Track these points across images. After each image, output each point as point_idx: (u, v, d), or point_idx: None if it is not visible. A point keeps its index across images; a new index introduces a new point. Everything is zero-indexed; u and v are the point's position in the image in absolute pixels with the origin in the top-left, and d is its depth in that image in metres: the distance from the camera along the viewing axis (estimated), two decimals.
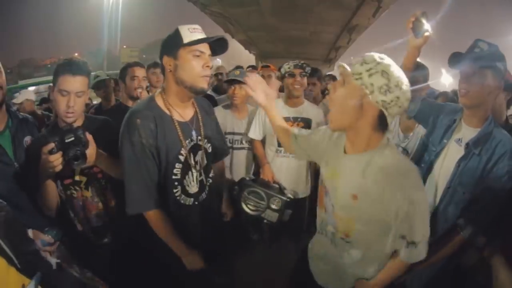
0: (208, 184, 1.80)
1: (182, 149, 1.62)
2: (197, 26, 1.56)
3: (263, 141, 2.90)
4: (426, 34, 1.65)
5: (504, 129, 1.68)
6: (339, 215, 1.41)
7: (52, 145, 1.44)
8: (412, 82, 1.89)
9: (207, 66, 1.55)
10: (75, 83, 1.65)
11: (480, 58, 1.59)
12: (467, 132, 1.70)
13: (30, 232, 1.46)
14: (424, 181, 1.80)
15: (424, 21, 1.64)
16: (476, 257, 1.60)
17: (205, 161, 1.77)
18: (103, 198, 1.84)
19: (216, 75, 5.20)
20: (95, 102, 4.99)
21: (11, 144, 1.71)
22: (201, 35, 1.55)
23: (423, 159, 1.86)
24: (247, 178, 2.75)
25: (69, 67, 1.65)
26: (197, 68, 1.53)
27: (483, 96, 1.60)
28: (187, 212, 1.69)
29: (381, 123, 1.26)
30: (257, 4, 7.95)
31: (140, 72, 2.81)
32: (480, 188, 1.60)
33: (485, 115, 1.65)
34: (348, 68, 1.27)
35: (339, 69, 1.32)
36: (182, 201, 1.66)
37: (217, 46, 1.62)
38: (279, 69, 4.40)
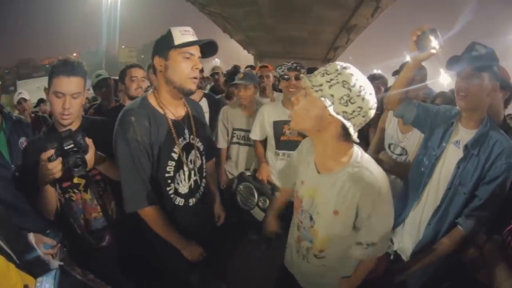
0: (203, 185, 1.82)
1: (175, 146, 1.64)
2: (188, 29, 1.59)
3: (264, 142, 2.91)
4: (432, 51, 1.61)
5: (501, 129, 1.70)
6: (318, 232, 1.43)
7: (51, 152, 1.38)
8: (410, 82, 1.91)
9: (196, 68, 1.58)
10: (70, 84, 1.60)
11: (478, 60, 1.59)
12: (464, 134, 1.72)
13: (31, 236, 1.47)
14: (425, 184, 1.83)
15: (432, 38, 1.58)
16: (476, 254, 1.61)
17: (199, 161, 1.79)
18: (102, 200, 1.82)
19: (212, 75, 5.20)
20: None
21: (6, 146, 1.69)
22: (192, 38, 1.57)
23: (423, 163, 1.87)
24: (248, 173, 2.80)
25: (64, 68, 1.60)
26: (186, 69, 1.56)
27: (481, 98, 1.62)
28: (178, 212, 1.70)
29: (346, 134, 1.24)
30: (256, 4, 7.97)
31: (139, 73, 2.83)
32: (480, 187, 1.62)
33: (481, 116, 1.67)
34: (307, 80, 1.25)
35: (302, 80, 1.31)
36: (174, 201, 1.68)
37: (207, 49, 1.65)
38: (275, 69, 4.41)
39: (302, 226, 1.50)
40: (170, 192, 1.66)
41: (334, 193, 1.33)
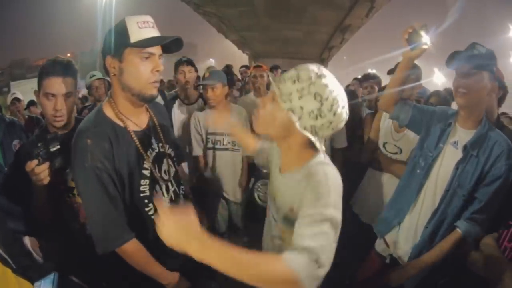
0: (182, 192, 1.65)
1: (145, 162, 1.41)
2: (147, 19, 1.31)
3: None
4: (424, 47, 1.63)
5: (495, 127, 1.70)
6: (282, 228, 1.33)
7: (35, 162, 1.31)
8: (405, 81, 1.92)
9: (157, 71, 1.33)
10: (61, 84, 1.52)
11: (478, 59, 1.60)
12: (462, 134, 1.71)
13: (26, 239, 1.43)
14: (422, 186, 1.81)
15: (423, 33, 1.60)
16: (477, 256, 1.62)
17: (173, 169, 1.60)
18: None
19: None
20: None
21: (0, 148, 1.67)
22: (153, 32, 1.31)
23: (418, 164, 1.86)
24: (265, 170, 2.76)
25: (53, 68, 1.52)
26: (145, 73, 1.30)
27: (481, 97, 1.62)
28: None
29: (312, 143, 1.15)
30: (251, 5, 7.95)
31: None
32: (480, 189, 1.62)
33: (480, 116, 1.67)
34: (276, 88, 1.14)
35: (270, 85, 1.20)
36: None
37: (171, 44, 1.37)
38: (271, 69, 4.41)
39: (272, 226, 1.41)
40: (150, 212, 1.44)
41: (292, 192, 1.22)
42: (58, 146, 1.37)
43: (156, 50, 1.32)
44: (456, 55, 1.64)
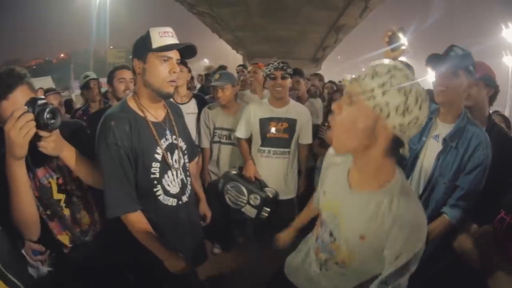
0: (189, 182, 1.82)
1: (158, 148, 1.63)
2: (168, 29, 1.58)
3: (249, 139, 2.90)
4: (403, 48, 1.78)
5: (487, 125, 1.85)
6: (340, 248, 1.23)
7: (25, 108, 1.17)
8: None
9: (174, 72, 1.57)
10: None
11: (455, 60, 1.73)
12: (443, 128, 1.83)
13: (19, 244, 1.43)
14: (408, 176, 1.89)
15: (401, 35, 1.75)
16: (467, 243, 1.65)
17: (182, 160, 1.77)
18: (86, 213, 1.71)
19: (206, 75, 5.20)
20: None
21: None
22: (172, 40, 1.56)
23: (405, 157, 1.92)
24: (232, 172, 2.81)
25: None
26: (164, 73, 1.55)
27: (458, 94, 1.74)
28: (171, 213, 1.68)
29: (395, 147, 1.06)
30: (245, 4, 7.97)
31: (127, 75, 2.79)
32: (461, 178, 1.74)
33: (458, 111, 1.78)
34: (356, 85, 1.04)
35: (345, 85, 1.10)
36: (165, 202, 1.66)
37: (186, 51, 1.64)
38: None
39: (321, 239, 1.32)
40: (158, 193, 1.64)
41: (366, 217, 1.11)
42: (45, 101, 1.26)
43: (174, 55, 1.57)
44: (434, 58, 1.79)
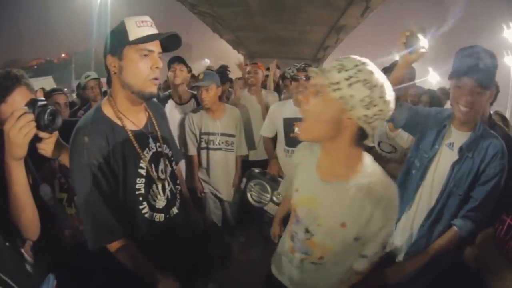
0: (179, 191, 1.61)
1: (141, 161, 1.40)
2: (146, 18, 1.32)
3: (274, 138, 2.94)
4: (422, 51, 1.56)
5: (487, 126, 1.73)
6: (317, 244, 1.27)
7: (25, 108, 1.15)
8: (400, 81, 1.92)
9: (156, 68, 1.33)
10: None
11: (484, 74, 1.55)
12: (458, 136, 1.72)
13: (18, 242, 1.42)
14: (418, 186, 1.82)
15: (420, 36, 1.53)
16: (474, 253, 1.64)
17: (169, 168, 1.56)
18: None
19: None
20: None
21: None
22: (151, 30, 1.31)
23: (414, 165, 1.87)
24: (256, 170, 2.81)
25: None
26: (145, 70, 1.30)
27: (482, 107, 1.65)
28: (160, 229, 1.48)
29: (361, 138, 1.11)
30: (246, 4, 7.97)
31: None
32: (475, 188, 1.64)
33: (476, 120, 1.68)
34: (322, 76, 1.08)
35: (312, 76, 1.14)
36: (151, 218, 1.44)
37: (169, 42, 1.38)
38: (267, 69, 4.45)
39: (296, 237, 1.34)
40: (144, 211, 1.42)
41: (344, 204, 1.16)
42: (45, 102, 1.24)
43: (155, 47, 1.32)
44: (460, 72, 1.60)
